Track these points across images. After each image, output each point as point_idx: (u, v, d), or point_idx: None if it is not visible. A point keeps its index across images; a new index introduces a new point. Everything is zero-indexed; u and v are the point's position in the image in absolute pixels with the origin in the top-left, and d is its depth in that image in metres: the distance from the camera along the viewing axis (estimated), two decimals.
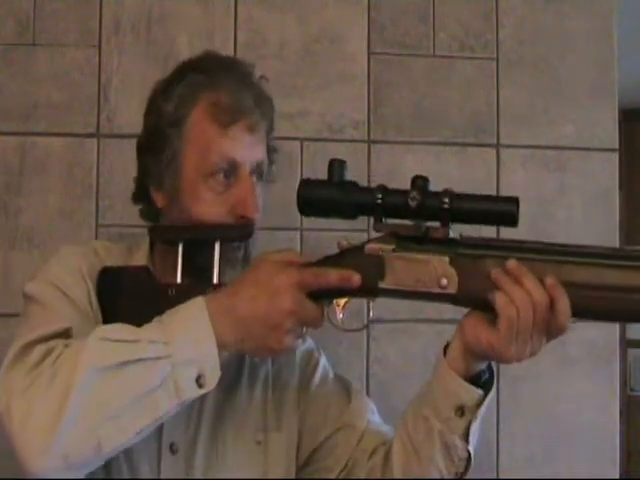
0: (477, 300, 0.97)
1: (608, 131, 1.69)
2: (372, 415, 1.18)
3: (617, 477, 1.66)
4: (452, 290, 0.97)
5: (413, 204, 0.96)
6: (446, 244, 0.98)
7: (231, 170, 1.08)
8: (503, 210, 0.96)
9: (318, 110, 1.60)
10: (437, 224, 0.98)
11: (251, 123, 1.09)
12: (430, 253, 0.98)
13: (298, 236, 1.57)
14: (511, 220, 0.95)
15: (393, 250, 0.99)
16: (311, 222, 1.50)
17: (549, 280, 0.93)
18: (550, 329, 0.94)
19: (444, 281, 0.97)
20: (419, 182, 0.98)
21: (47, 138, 1.53)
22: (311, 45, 1.61)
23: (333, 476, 1.13)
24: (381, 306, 1.58)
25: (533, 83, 1.67)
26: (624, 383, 4.17)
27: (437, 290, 0.98)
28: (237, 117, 1.08)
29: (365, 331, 1.58)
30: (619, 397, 1.67)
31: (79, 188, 1.53)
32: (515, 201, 0.95)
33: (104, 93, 1.55)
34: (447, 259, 0.98)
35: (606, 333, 1.66)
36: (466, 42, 1.65)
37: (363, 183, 1.01)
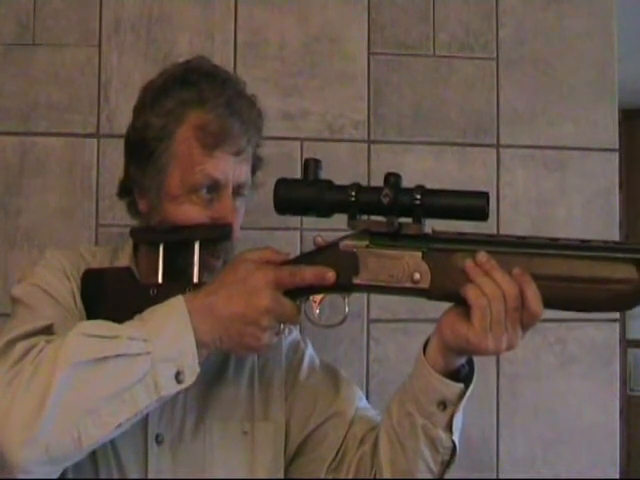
0: (450, 294, 0.99)
1: (608, 131, 1.69)
2: (360, 401, 1.21)
3: (617, 477, 1.66)
4: (425, 285, 1.00)
5: (385, 201, 0.99)
6: (418, 239, 1.01)
7: (214, 187, 1.11)
8: (473, 205, 0.98)
9: (318, 110, 1.60)
10: (410, 220, 1.01)
11: (237, 148, 1.11)
12: (403, 249, 1.01)
13: (298, 236, 1.57)
14: (481, 215, 0.98)
15: (367, 246, 1.02)
16: (311, 222, 1.50)
17: (516, 270, 0.96)
18: (523, 318, 0.96)
19: (417, 276, 1.00)
20: (391, 179, 1.01)
21: (47, 138, 1.53)
22: (311, 45, 1.61)
23: (325, 467, 1.15)
24: (381, 306, 1.59)
25: (533, 83, 1.67)
26: (624, 383, 4.17)
27: (410, 285, 1.01)
28: (223, 142, 1.10)
29: (365, 331, 1.58)
30: (619, 397, 1.67)
31: (79, 188, 1.53)
32: (485, 196, 0.98)
33: (104, 93, 1.55)
34: (419, 254, 1.00)
35: (606, 333, 1.66)
36: (466, 42, 1.65)
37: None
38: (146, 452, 1.10)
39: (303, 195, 1.03)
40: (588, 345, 1.66)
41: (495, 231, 1.58)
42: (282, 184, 1.04)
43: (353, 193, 1.00)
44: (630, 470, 3.95)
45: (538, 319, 0.96)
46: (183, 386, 0.98)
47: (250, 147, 1.14)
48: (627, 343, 4.25)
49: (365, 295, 1.55)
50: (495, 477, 1.61)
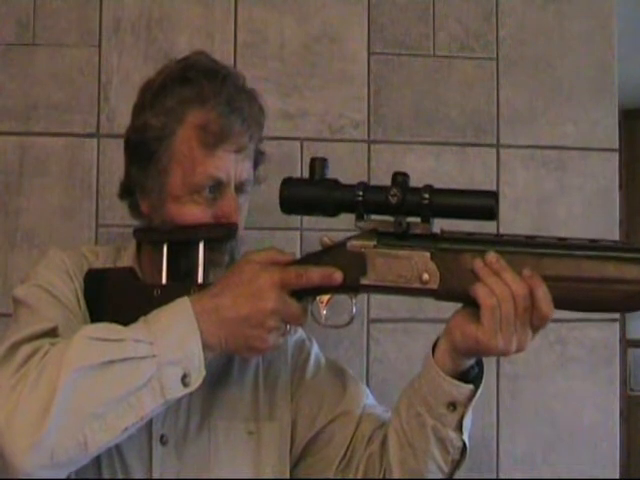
0: (458, 294, 0.98)
1: (608, 131, 1.69)
2: (367, 399, 1.20)
3: (617, 477, 1.66)
4: (433, 285, 0.99)
5: (394, 200, 0.98)
6: (427, 239, 1.00)
7: (216, 187, 1.10)
8: (482, 204, 0.98)
9: (318, 110, 1.60)
10: (418, 219, 1.00)
11: (238, 146, 1.10)
12: (411, 249, 1.00)
13: (298, 236, 1.57)
14: (490, 214, 0.97)
15: (374, 247, 1.01)
16: (311, 222, 1.51)
17: (526, 271, 0.95)
18: (533, 319, 0.95)
19: (425, 276, 0.99)
20: (399, 178, 1.00)
21: (47, 138, 1.53)
22: (311, 45, 1.61)
23: (334, 466, 1.15)
24: (381, 306, 1.59)
25: (533, 83, 1.67)
26: (624, 383, 4.17)
27: (419, 285, 1.00)
28: (224, 140, 1.09)
29: (365, 331, 1.58)
30: (619, 397, 1.67)
31: (79, 188, 1.53)
32: (494, 195, 0.98)
33: (104, 93, 1.55)
34: (428, 254, 0.99)
35: (606, 333, 1.66)
36: (466, 42, 1.65)
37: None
38: (150, 453, 1.10)
39: (309, 195, 1.02)
40: (588, 345, 1.65)
41: (495, 231, 1.58)
42: (288, 184, 1.03)
43: (360, 193, 0.99)
44: (630, 470, 3.95)
45: (548, 320, 0.95)
46: (189, 389, 0.97)
47: (252, 144, 1.13)
48: (627, 343, 4.26)
49: (365, 295, 1.55)
50: (495, 477, 1.61)
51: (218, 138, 1.08)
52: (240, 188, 1.13)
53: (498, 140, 1.66)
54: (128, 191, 1.18)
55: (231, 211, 1.10)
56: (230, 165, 1.10)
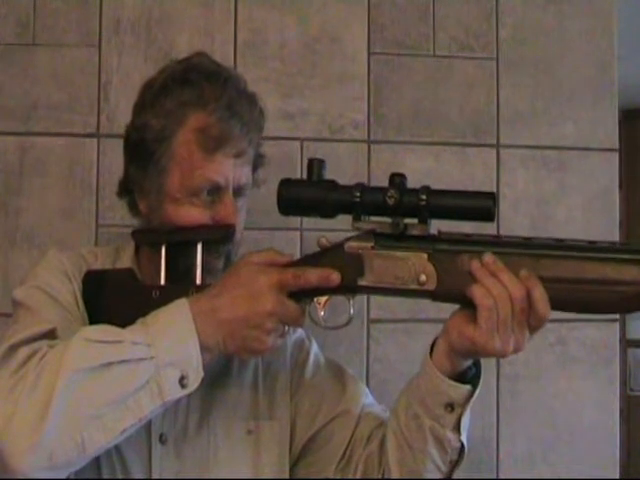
0: (456, 295, 0.98)
1: (608, 131, 1.69)
2: (366, 398, 1.20)
3: (617, 477, 1.66)
4: (431, 286, 0.99)
5: (391, 201, 0.98)
6: (424, 240, 1.00)
7: (214, 190, 1.10)
8: (480, 206, 0.98)
9: (318, 110, 1.60)
10: (415, 221, 1.00)
11: (237, 151, 1.10)
12: (408, 250, 1.00)
13: (298, 237, 1.57)
14: (488, 215, 0.97)
15: (372, 248, 1.01)
16: (311, 223, 1.51)
17: (523, 272, 0.95)
18: (530, 320, 0.95)
19: (423, 277, 0.99)
20: (396, 179, 1.00)
21: (47, 138, 1.53)
22: (311, 45, 1.61)
23: (333, 466, 1.15)
24: (381, 306, 1.59)
25: (533, 83, 1.67)
26: (624, 383, 4.17)
27: (416, 287, 1.00)
28: (224, 144, 1.09)
29: (365, 331, 1.58)
30: (619, 397, 1.67)
31: (79, 188, 1.53)
32: (492, 196, 0.98)
33: (104, 93, 1.55)
34: (425, 255, 0.99)
35: (606, 333, 1.66)
36: (466, 42, 1.65)
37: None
38: (150, 452, 1.10)
39: (307, 195, 1.02)
40: (588, 345, 1.66)
41: (495, 231, 1.58)
42: (286, 184, 1.03)
43: (358, 194, 0.99)
44: (630, 470, 3.95)
45: (545, 321, 0.95)
46: (187, 391, 0.97)
47: (251, 148, 1.13)
48: (627, 343, 4.26)
49: (365, 295, 1.55)
50: (495, 477, 1.61)
51: (217, 142, 1.08)
52: (238, 192, 1.13)
53: (498, 140, 1.66)
54: (127, 190, 1.18)
55: (229, 214, 1.10)
56: (229, 169, 1.10)
